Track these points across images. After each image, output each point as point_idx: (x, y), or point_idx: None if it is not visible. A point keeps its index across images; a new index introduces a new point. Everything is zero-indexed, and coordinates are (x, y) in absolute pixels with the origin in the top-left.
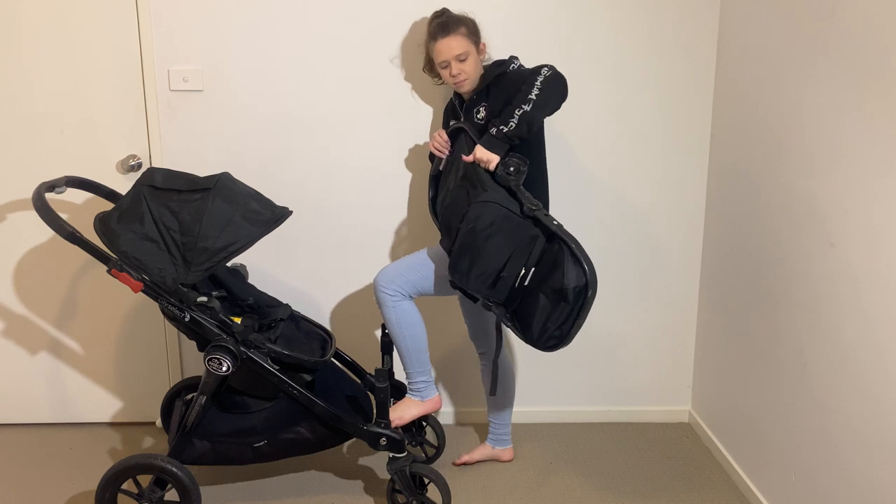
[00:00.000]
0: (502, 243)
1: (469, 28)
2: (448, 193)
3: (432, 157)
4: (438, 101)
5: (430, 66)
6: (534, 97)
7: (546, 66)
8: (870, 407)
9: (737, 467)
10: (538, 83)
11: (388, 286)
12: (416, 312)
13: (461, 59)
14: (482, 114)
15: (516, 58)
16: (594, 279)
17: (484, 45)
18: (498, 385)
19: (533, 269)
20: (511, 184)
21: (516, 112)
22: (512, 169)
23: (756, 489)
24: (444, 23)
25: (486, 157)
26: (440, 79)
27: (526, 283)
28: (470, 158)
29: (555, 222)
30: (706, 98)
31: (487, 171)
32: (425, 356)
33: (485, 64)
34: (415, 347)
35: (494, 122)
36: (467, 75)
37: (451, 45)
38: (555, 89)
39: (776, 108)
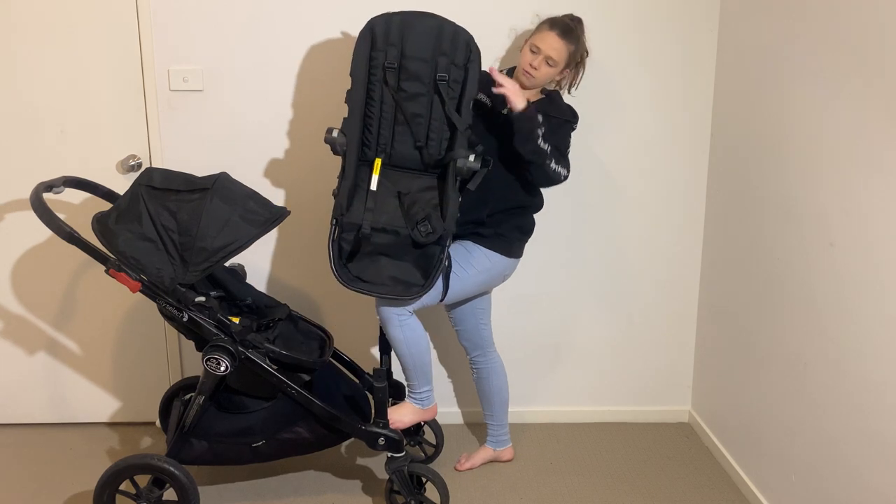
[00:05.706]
0: None
1: (577, 51)
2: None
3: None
4: None
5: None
6: (552, 167)
7: (566, 173)
8: (870, 407)
9: (737, 467)
10: (560, 170)
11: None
12: (420, 327)
13: (549, 63)
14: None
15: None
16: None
17: (567, 74)
18: (492, 387)
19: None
20: (462, 174)
21: (548, 146)
22: (472, 158)
23: (756, 489)
24: (568, 27)
25: (517, 98)
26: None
27: None
28: (503, 84)
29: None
30: (706, 98)
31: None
32: (429, 367)
33: (554, 89)
34: (420, 361)
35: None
36: (537, 76)
37: (555, 46)
38: (555, 180)
39: (776, 109)
